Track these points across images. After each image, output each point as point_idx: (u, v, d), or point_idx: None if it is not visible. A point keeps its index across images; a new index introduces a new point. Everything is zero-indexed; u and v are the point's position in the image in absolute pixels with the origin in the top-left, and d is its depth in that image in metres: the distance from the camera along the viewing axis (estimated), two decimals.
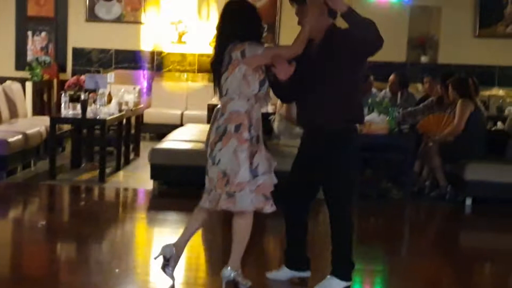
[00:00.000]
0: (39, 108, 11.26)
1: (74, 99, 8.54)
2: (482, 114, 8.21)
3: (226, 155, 4.43)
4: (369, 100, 8.50)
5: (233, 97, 4.45)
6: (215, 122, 4.57)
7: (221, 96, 4.55)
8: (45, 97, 11.64)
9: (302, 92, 4.58)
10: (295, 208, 4.78)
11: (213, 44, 4.61)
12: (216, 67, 4.54)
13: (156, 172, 7.85)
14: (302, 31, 4.40)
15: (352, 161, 4.66)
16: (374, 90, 9.56)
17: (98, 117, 8.37)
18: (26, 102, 10.46)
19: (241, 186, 4.42)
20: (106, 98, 8.81)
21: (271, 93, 4.68)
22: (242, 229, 4.58)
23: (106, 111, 8.59)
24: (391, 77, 9.68)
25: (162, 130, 10.87)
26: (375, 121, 7.86)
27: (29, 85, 10.95)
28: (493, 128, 9.04)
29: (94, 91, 8.69)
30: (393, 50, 12.10)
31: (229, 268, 4.57)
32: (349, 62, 4.44)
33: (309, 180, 4.67)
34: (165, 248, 4.71)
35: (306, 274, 4.91)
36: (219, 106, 4.60)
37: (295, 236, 4.84)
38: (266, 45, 4.56)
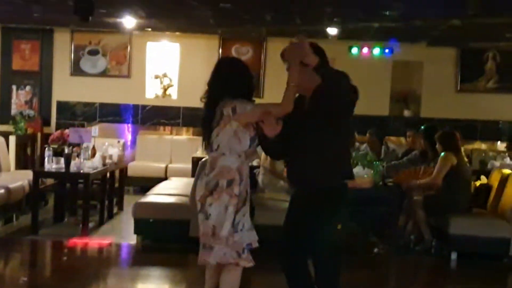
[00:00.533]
0: (23, 162, 11.19)
1: (58, 153, 8.52)
2: (466, 168, 8.21)
3: (217, 210, 4.44)
4: (353, 154, 8.55)
5: (224, 152, 4.47)
6: (202, 176, 4.57)
7: (211, 151, 4.56)
8: (28, 151, 11.59)
9: (293, 149, 4.51)
10: (294, 266, 4.57)
11: (204, 99, 4.63)
12: (206, 122, 4.55)
13: (140, 227, 7.78)
14: (287, 89, 4.34)
15: (341, 218, 4.61)
16: (357, 144, 9.59)
17: (81, 171, 8.32)
18: (9, 156, 10.39)
19: (221, 240, 4.43)
20: (90, 152, 8.78)
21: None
22: (229, 285, 4.55)
23: (90, 165, 8.54)
24: (367, 136, 9.65)
25: (147, 183, 10.83)
26: (360, 175, 7.87)
27: (12, 139, 10.90)
28: (477, 182, 9.07)
29: (78, 145, 8.67)
30: (376, 104, 12.25)
31: None
32: (334, 118, 4.44)
33: (303, 235, 4.61)
34: None
35: None
36: (203, 160, 4.58)
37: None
38: (256, 102, 4.57)
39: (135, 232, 7.81)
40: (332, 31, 10.38)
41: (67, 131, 8.83)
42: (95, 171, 8.53)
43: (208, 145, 4.58)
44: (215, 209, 4.44)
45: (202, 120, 4.60)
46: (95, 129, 9.17)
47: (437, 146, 8.18)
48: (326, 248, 4.48)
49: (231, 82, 4.51)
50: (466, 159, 8.35)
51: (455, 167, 7.88)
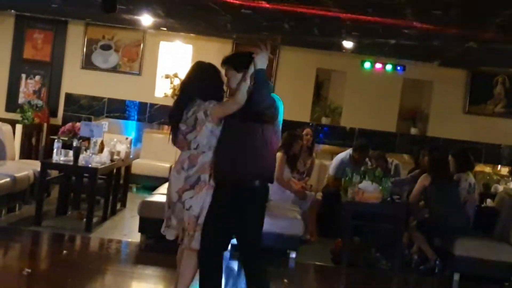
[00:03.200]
0: (27, 151, 11.16)
1: (66, 146, 8.50)
2: (449, 190, 8.12)
3: (199, 202, 4.84)
4: (362, 168, 8.55)
5: (204, 150, 4.84)
6: (179, 171, 4.89)
7: (188, 149, 4.90)
8: (33, 140, 11.56)
9: (221, 147, 4.89)
10: (212, 257, 4.95)
11: (175, 97, 5.17)
12: (176, 120, 4.91)
13: (145, 225, 7.75)
14: (240, 84, 4.75)
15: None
16: (367, 160, 9.56)
17: (90, 166, 8.29)
18: (14, 144, 10.35)
19: (200, 227, 4.85)
20: (98, 147, 8.76)
21: None
22: (192, 267, 4.97)
23: (98, 159, 8.52)
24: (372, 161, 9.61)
25: (149, 182, 10.82)
26: (368, 190, 7.88)
27: (19, 128, 10.87)
28: (483, 205, 9.09)
29: (88, 139, 8.64)
30: (384, 120, 12.26)
31: None
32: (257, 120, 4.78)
33: (225, 231, 4.93)
34: None
35: None
36: (182, 158, 4.92)
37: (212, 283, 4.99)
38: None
39: (140, 230, 7.79)
40: (348, 44, 10.38)
41: (78, 124, 8.79)
42: (102, 166, 8.51)
43: (175, 139, 4.97)
44: (196, 202, 4.83)
45: (171, 118, 4.99)
46: (105, 125, 9.15)
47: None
48: (252, 242, 4.90)
49: (207, 86, 4.93)
50: (463, 181, 8.30)
51: (430, 189, 7.97)
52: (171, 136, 5.04)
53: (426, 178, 8.08)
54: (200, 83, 4.96)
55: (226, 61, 5.04)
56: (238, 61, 5.00)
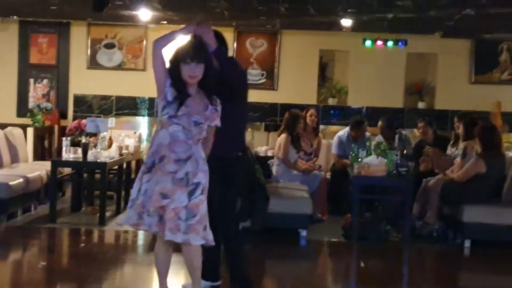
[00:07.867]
0: (40, 153, 11.31)
1: (75, 144, 8.65)
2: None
3: None
4: (367, 143, 8.64)
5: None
6: None
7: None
8: (46, 143, 11.71)
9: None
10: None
11: None
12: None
13: None
14: None
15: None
16: (368, 134, 9.67)
17: (98, 160, 8.44)
18: (27, 148, 10.52)
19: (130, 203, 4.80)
20: (106, 142, 8.90)
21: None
22: (196, 255, 4.80)
23: (106, 154, 8.67)
24: (379, 123, 9.75)
25: None
26: (373, 164, 7.95)
27: (30, 131, 11.01)
28: None
29: (95, 135, 8.78)
30: (390, 96, 12.29)
31: None
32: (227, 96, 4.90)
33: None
34: None
35: (218, 283, 5.52)
36: None
37: (212, 252, 5.21)
38: None
39: None
40: (347, 22, 10.42)
41: (84, 121, 8.93)
42: (111, 160, 8.65)
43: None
44: None
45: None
46: (111, 120, 9.29)
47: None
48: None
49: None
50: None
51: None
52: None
53: (481, 164, 7.89)
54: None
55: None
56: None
